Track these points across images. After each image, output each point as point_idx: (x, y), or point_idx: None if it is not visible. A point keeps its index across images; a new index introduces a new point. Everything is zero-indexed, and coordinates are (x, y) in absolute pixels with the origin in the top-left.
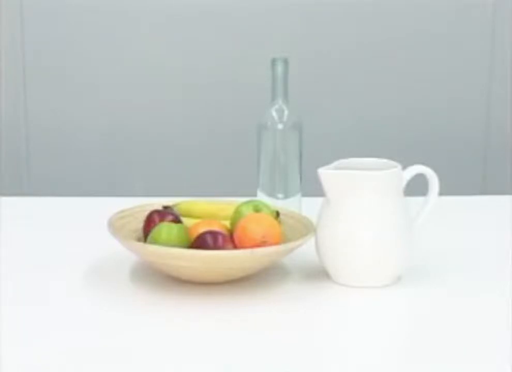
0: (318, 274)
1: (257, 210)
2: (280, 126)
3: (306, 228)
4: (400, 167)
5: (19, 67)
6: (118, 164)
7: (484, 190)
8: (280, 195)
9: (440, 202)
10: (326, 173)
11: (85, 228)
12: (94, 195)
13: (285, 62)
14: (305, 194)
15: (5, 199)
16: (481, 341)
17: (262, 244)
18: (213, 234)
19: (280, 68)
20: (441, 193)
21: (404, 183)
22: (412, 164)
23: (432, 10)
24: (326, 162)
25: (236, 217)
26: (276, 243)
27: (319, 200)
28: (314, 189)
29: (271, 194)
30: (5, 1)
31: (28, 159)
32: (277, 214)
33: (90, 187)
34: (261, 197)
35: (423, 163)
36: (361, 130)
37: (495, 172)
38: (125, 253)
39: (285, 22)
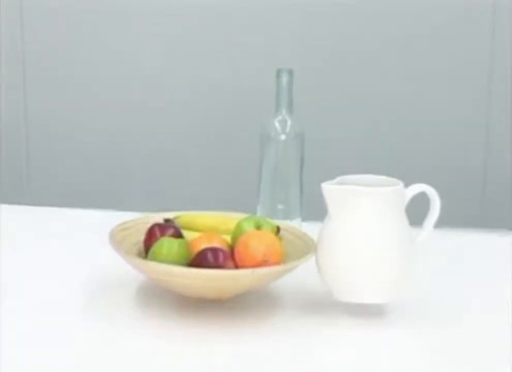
0: (318, 290)
1: (258, 226)
2: (283, 137)
3: (307, 245)
4: (402, 184)
5: (19, 67)
6: (118, 164)
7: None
8: (281, 206)
9: (439, 235)
10: (328, 188)
11: (85, 240)
12: (94, 195)
13: (290, 73)
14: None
15: (5, 207)
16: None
17: (264, 263)
18: (214, 251)
19: (284, 79)
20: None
21: (406, 201)
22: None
23: (432, 10)
24: (328, 174)
25: (237, 233)
26: (277, 262)
27: (320, 212)
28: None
29: (272, 205)
30: (5, 1)
31: (28, 159)
32: (278, 229)
33: (90, 187)
34: (262, 207)
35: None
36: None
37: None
38: (126, 266)
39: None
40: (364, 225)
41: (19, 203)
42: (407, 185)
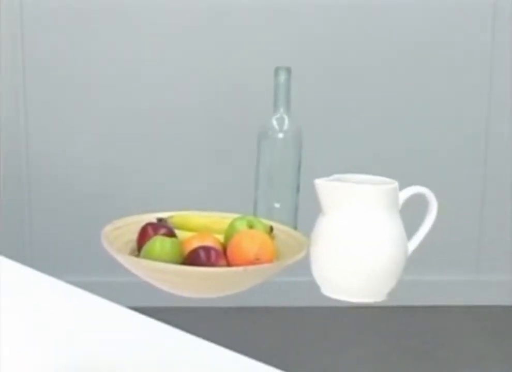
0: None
1: (250, 225)
2: (280, 135)
3: (299, 244)
4: (396, 184)
5: (19, 67)
6: (116, 164)
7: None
8: (277, 205)
9: None
10: (322, 184)
11: None
12: (93, 195)
13: (288, 71)
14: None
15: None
16: None
17: (256, 261)
18: (207, 249)
19: (282, 77)
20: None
21: (401, 201)
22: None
23: (432, 10)
24: (325, 172)
25: (230, 233)
26: (270, 261)
27: (316, 210)
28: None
29: (268, 203)
30: (5, 1)
31: (28, 159)
32: (271, 229)
33: (89, 187)
34: (258, 206)
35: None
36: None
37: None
38: None
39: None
40: (355, 222)
41: (19, 203)
42: (406, 187)
